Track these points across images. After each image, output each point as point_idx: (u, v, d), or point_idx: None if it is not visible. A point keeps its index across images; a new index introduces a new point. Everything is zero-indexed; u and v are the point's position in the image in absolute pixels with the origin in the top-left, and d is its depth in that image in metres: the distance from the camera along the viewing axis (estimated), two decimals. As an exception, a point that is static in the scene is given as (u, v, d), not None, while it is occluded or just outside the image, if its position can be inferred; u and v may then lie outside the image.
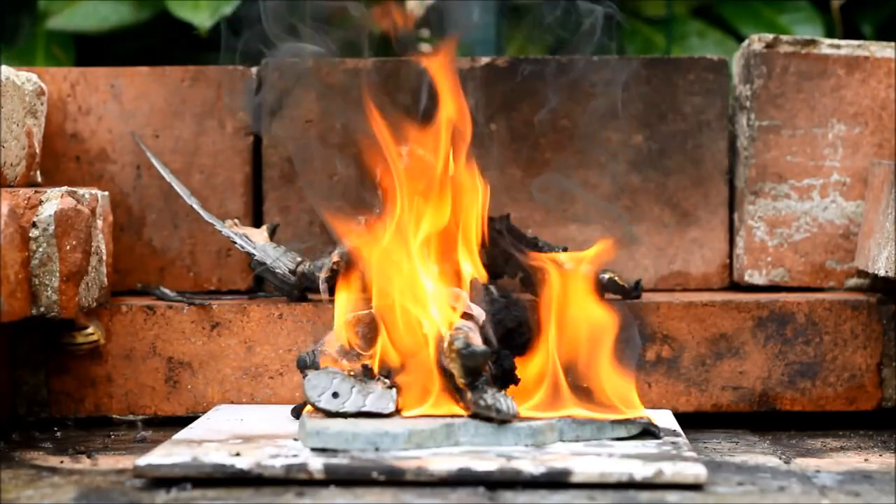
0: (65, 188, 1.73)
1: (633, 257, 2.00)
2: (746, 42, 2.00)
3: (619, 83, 1.98)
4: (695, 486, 1.45)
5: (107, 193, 1.88)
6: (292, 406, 1.74)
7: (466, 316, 1.66)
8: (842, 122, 1.96)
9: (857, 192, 1.96)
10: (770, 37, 1.97)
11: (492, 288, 1.75)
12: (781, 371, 1.85)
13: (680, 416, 1.79)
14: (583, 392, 1.67)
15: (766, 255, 1.97)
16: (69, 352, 1.82)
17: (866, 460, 1.64)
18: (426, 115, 1.82)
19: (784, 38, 1.97)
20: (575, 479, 1.45)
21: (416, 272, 1.71)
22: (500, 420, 1.56)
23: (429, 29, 2.26)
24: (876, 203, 1.82)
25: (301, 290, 1.87)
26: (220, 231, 1.88)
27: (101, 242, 1.82)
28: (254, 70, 1.99)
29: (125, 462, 1.61)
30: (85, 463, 1.61)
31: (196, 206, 1.90)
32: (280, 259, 1.86)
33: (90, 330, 1.82)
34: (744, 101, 1.99)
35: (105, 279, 1.84)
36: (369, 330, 1.71)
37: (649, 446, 1.57)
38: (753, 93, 1.97)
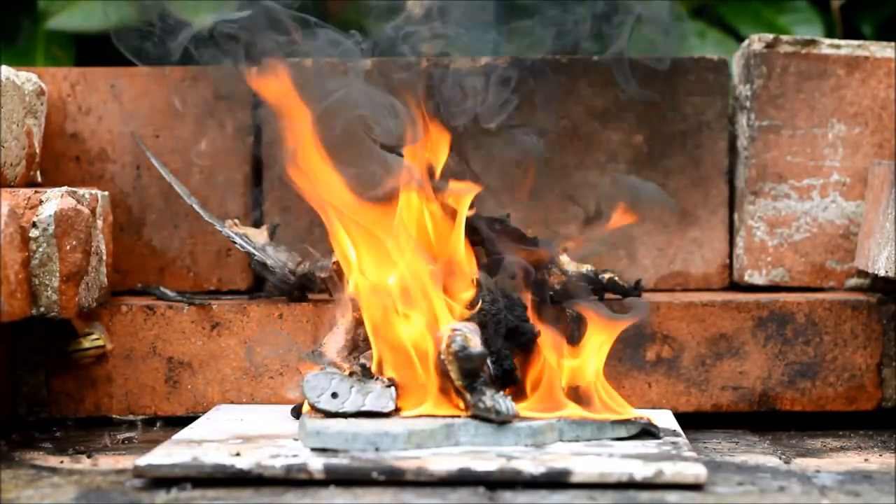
0: (65, 188, 1.73)
1: (633, 257, 2.00)
2: (746, 42, 2.00)
3: (620, 83, 1.98)
4: (695, 486, 1.46)
5: (107, 193, 1.88)
6: (292, 406, 1.74)
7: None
8: (842, 122, 1.96)
9: (857, 192, 1.96)
10: (770, 37, 1.97)
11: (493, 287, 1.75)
12: (781, 371, 1.85)
13: (680, 416, 1.79)
14: (582, 392, 1.67)
15: (766, 255, 1.97)
16: (75, 359, 1.82)
17: (866, 460, 1.64)
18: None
19: (784, 38, 1.97)
20: (575, 479, 1.45)
21: (414, 272, 1.71)
22: (500, 421, 1.56)
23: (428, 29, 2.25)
24: (876, 203, 1.82)
25: (301, 290, 1.87)
26: (220, 231, 1.88)
27: (101, 242, 1.82)
28: (254, 70, 1.99)
29: (125, 462, 1.61)
30: (85, 463, 1.61)
31: (196, 206, 1.90)
32: (280, 259, 1.86)
33: (95, 335, 1.82)
34: (744, 101, 1.99)
35: (105, 279, 1.84)
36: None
37: (649, 446, 1.57)
38: (753, 93, 1.97)
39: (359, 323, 1.72)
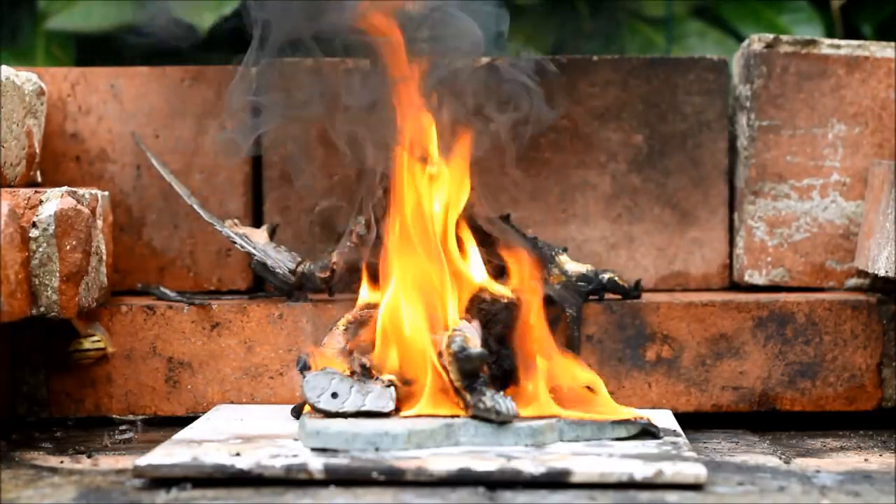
0: (65, 188, 1.73)
1: (633, 257, 2.00)
2: (746, 42, 2.00)
3: (619, 83, 1.98)
4: (695, 486, 1.45)
5: (107, 193, 1.88)
6: (292, 406, 1.74)
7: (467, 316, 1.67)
8: (842, 122, 1.96)
9: (857, 192, 1.96)
10: (770, 37, 1.97)
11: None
12: (781, 371, 1.85)
13: (680, 416, 1.79)
14: (582, 391, 1.67)
15: (766, 255, 1.97)
16: (75, 359, 1.82)
17: (866, 460, 1.64)
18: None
19: (784, 38, 1.97)
20: (575, 479, 1.45)
21: (418, 272, 1.71)
22: (500, 421, 1.56)
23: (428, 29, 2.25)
24: (876, 203, 1.82)
25: (301, 290, 1.86)
26: (220, 231, 1.88)
27: (101, 242, 1.82)
28: (254, 70, 1.99)
29: (125, 462, 1.61)
30: (85, 463, 1.61)
31: (196, 206, 1.90)
32: (280, 259, 1.86)
33: (97, 337, 1.82)
34: (744, 101, 1.99)
35: (105, 279, 1.84)
36: (369, 331, 1.71)
37: (649, 446, 1.57)
38: (753, 93, 1.97)
39: (359, 323, 1.72)
